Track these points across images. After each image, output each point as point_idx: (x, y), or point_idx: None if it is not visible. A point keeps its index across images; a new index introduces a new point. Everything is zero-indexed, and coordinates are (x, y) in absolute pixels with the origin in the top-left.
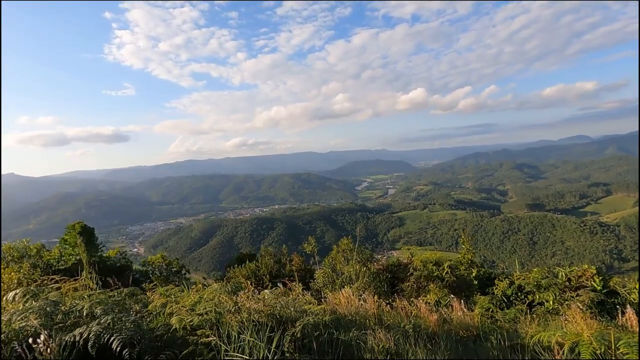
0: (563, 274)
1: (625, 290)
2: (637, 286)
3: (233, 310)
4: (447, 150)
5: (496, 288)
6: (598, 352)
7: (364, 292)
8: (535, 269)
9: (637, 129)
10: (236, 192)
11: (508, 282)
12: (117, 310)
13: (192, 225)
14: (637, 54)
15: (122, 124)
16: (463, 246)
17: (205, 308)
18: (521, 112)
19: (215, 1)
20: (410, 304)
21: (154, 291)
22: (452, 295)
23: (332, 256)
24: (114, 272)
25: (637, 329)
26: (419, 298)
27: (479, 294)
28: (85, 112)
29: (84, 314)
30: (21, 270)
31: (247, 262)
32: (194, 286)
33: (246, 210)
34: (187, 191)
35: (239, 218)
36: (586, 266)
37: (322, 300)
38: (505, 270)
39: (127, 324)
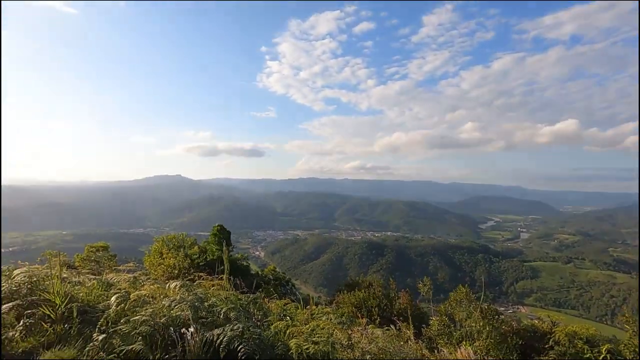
0: None
1: None
2: None
3: (346, 345)
4: (606, 196)
5: None
6: None
7: (487, 355)
8: None
9: None
10: (350, 213)
11: None
12: (245, 318)
13: (307, 239)
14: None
15: (261, 141)
16: (626, 326)
17: (321, 337)
18: None
19: (354, 32)
20: None
21: (271, 300)
22: None
23: (449, 303)
24: (241, 273)
25: None
26: None
27: None
28: (234, 129)
29: (221, 316)
30: (177, 258)
31: (357, 290)
32: (308, 307)
33: (358, 233)
34: (306, 206)
35: (350, 239)
36: None
37: (436, 351)
38: None
39: (254, 335)
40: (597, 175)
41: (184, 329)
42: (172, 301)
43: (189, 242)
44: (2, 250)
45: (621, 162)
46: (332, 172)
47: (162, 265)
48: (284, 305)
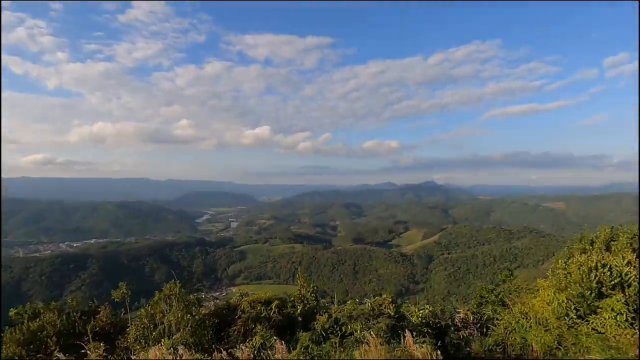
0: (369, 304)
1: (409, 314)
2: (416, 309)
3: None
4: (288, 187)
5: (317, 323)
6: None
7: (184, 345)
8: (349, 301)
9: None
10: (34, 222)
11: (327, 316)
12: None
13: None
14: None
15: None
16: (298, 281)
17: None
18: (349, 159)
19: None
20: (230, 354)
21: None
22: (275, 337)
23: (151, 304)
24: None
25: (414, 349)
26: (245, 343)
27: (301, 330)
28: None
29: None
30: None
31: (28, 321)
32: None
33: (47, 246)
34: None
35: (32, 256)
36: (385, 295)
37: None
38: (329, 302)
39: None
40: (283, 171)
41: None
42: None
43: None
44: None
45: (296, 162)
46: None
47: None
48: None
